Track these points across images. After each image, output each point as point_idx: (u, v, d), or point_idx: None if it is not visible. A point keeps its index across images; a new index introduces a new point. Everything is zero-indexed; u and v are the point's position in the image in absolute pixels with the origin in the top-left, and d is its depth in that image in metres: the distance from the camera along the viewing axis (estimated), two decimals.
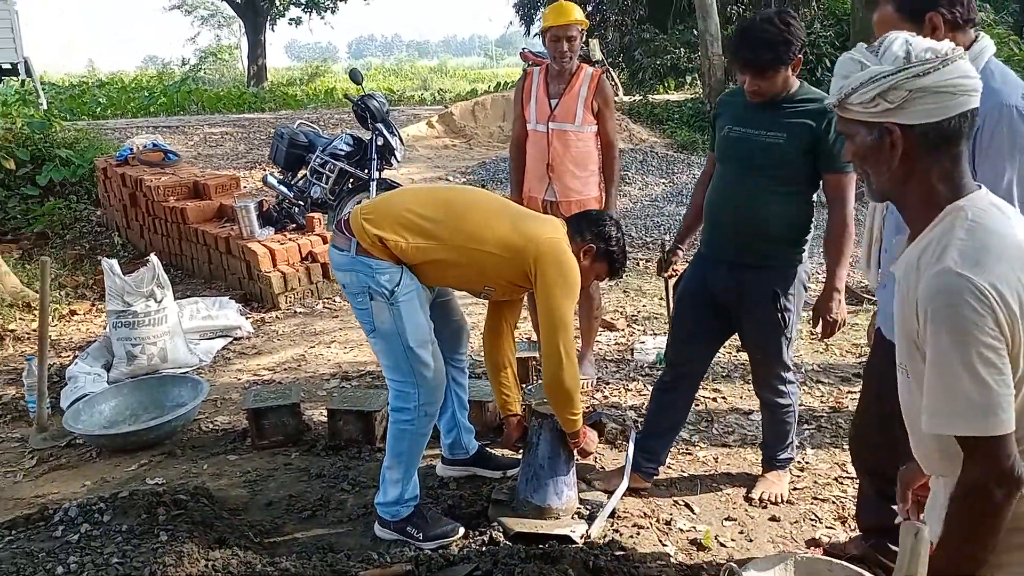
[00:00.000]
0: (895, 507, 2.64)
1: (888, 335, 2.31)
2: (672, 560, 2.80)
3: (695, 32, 14.24)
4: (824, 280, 2.93)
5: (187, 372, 4.58)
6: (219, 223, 6.43)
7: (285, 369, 4.65)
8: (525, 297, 3.39)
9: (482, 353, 3.14)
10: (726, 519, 3.09)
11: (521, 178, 4.13)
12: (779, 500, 3.18)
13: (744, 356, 4.56)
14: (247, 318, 5.41)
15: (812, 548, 2.88)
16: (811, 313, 2.93)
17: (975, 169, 2.00)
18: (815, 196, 2.89)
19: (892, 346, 2.31)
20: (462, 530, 2.85)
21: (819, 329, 2.91)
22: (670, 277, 3.32)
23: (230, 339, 5.13)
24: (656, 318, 5.23)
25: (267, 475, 3.39)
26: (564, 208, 3.91)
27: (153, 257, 4.67)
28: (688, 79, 16.48)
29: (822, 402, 4.09)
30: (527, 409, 3.18)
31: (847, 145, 1.52)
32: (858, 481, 2.77)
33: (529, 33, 21.67)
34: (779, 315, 2.91)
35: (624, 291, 5.82)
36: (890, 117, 1.39)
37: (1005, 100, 1.97)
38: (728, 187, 2.92)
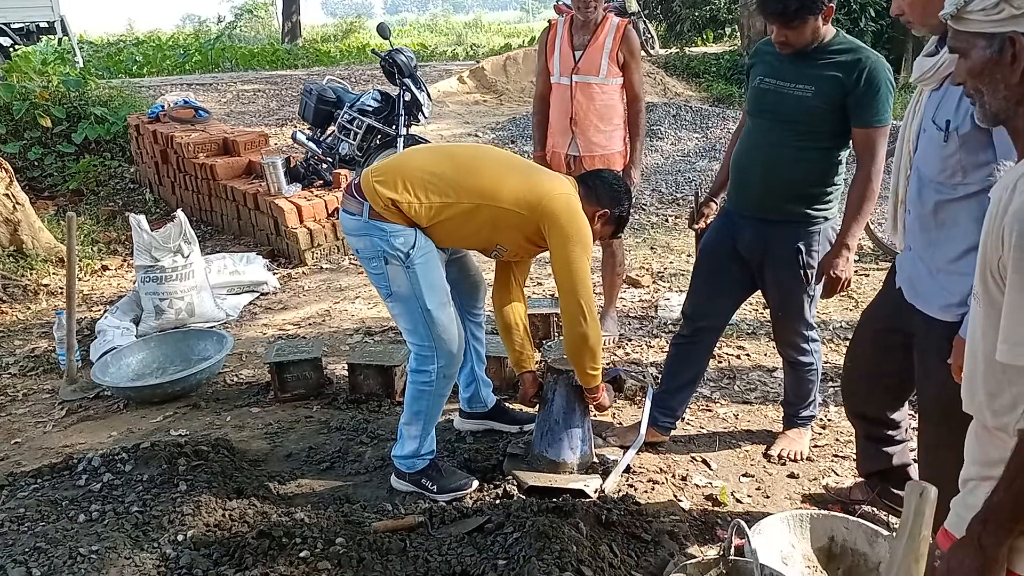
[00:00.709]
0: (888, 449, 2.61)
1: (908, 297, 2.24)
2: (687, 515, 2.79)
3: None
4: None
5: (214, 326, 4.63)
6: (248, 179, 6.46)
7: (310, 324, 4.69)
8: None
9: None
10: (743, 475, 3.06)
11: (544, 133, 4.05)
12: (799, 457, 3.15)
13: (768, 313, 4.49)
14: (274, 274, 5.45)
15: (825, 498, 2.85)
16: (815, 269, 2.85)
17: (992, 132, 1.91)
18: (846, 153, 2.80)
19: (902, 305, 2.29)
20: (476, 483, 2.86)
21: (821, 284, 2.84)
22: (702, 230, 3.24)
23: (257, 294, 5.18)
24: (683, 274, 5.15)
25: (288, 427, 3.44)
26: (587, 163, 3.84)
27: (180, 213, 4.70)
28: (727, 31, 16.02)
29: (841, 355, 3.99)
30: (543, 365, 3.16)
31: (959, 64, 1.42)
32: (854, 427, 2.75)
33: None
34: (802, 272, 2.84)
35: (652, 248, 5.74)
36: (1014, 25, 1.29)
37: None
38: (755, 141, 2.83)
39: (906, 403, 2.62)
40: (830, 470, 3.06)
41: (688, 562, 2.06)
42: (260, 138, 7.05)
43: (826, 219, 2.83)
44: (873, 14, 11.16)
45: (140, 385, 3.80)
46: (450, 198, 2.61)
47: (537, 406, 3.00)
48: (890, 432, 2.62)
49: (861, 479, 2.83)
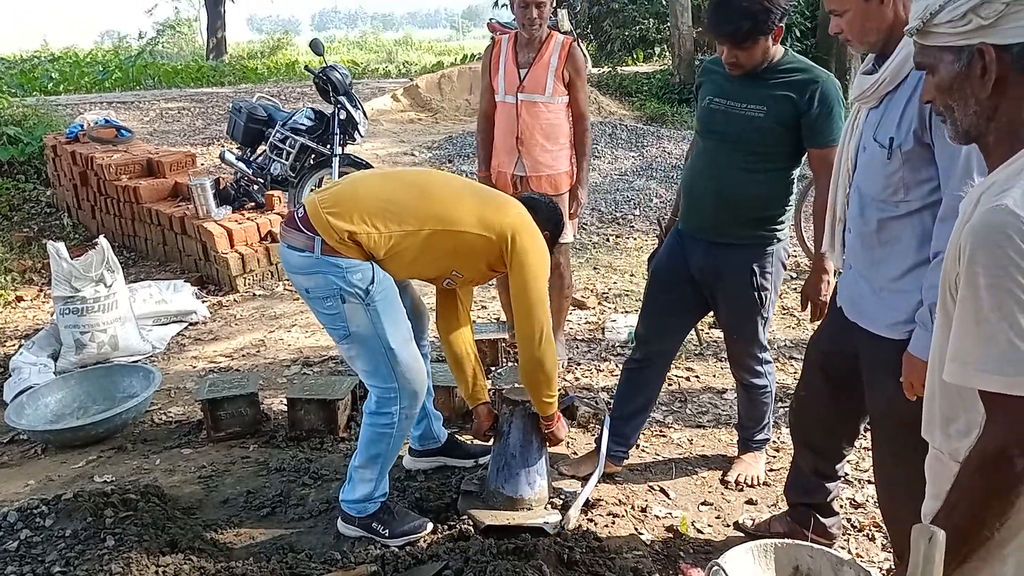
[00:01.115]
0: (828, 485, 2.58)
1: (850, 315, 2.21)
2: (649, 549, 2.70)
3: (664, 2, 14.05)
4: (805, 259, 2.81)
5: (139, 360, 4.37)
6: (174, 202, 6.18)
7: (243, 355, 4.47)
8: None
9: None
10: (702, 503, 3.00)
11: (489, 153, 3.95)
12: (755, 482, 3.10)
13: (717, 334, 4.46)
14: (203, 302, 5.20)
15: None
16: (800, 295, 2.81)
17: (934, 147, 1.91)
18: (796, 172, 2.77)
19: (847, 326, 2.25)
20: (430, 526, 2.72)
21: (807, 312, 2.80)
22: None
23: (185, 324, 4.92)
24: (628, 295, 5.11)
25: (223, 470, 3.22)
26: (534, 183, 3.76)
27: (102, 240, 4.43)
28: (657, 50, 16.26)
29: (795, 379, 3.97)
30: (497, 395, 3.04)
31: (926, 80, 1.36)
32: (793, 454, 2.69)
33: (497, 3, 21.30)
34: (756, 294, 2.81)
35: (595, 268, 5.69)
36: (982, 37, 1.23)
37: None
38: (706, 162, 2.79)
39: (859, 432, 2.59)
40: None
41: None
42: (186, 158, 6.76)
43: (778, 240, 2.80)
44: (798, 34, 11.47)
45: (60, 428, 3.52)
46: (410, 226, 2.47)
47: (492, 439, 2.86)
48: (836, 466, 2.59)
49: (779, 513, 2.79)
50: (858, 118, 2.17)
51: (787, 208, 2.79)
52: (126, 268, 5.15)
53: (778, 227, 2.78)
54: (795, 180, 2.77)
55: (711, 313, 3.05)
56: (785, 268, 2.91)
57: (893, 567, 2.51)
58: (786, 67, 2.61)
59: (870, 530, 2.79)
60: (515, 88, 3.77)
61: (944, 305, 1.32)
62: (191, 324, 4.93)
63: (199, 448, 3.43)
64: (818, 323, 2.61)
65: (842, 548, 2.67)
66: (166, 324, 4.86)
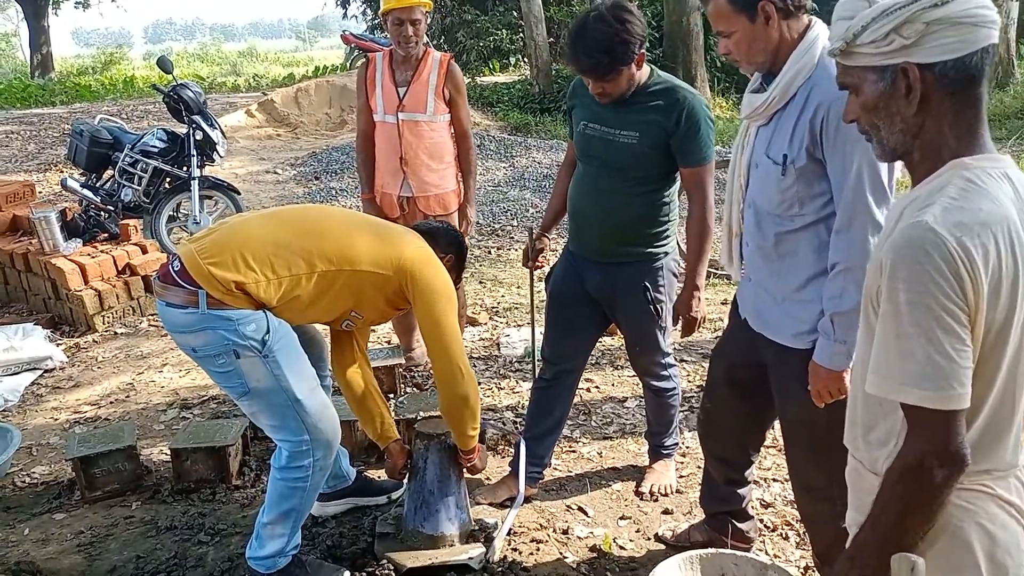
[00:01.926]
0: (741, 491, 2.65)
1: (755, 326, 2.26)
2: (576, 572, 2.65)
3: (515, 13, 14.23)
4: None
5: None
6: (14, 237, 5.61)
7: (111, 402, 4.09)
8: None
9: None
10: (621, 518, 2.99)
11: (371, 174, 3.81)
12: (669, 491, 3.13)
13: (609, 341, 4.51)
14: (58, 345, 4.73)
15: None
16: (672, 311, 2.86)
17: (826, 162, 1.97)
18: (675, 187, 2.82)
19: (750, 336, 2.29)
20: (348, 574, 2.55)
21: (679, 327, 2.86)
22: (538, 267, 3.16)
23: (40, 372, 4.45)
24: (517, 308, 5.08)
25: (105, 534, 2.91)
26: (422, 204, 3.66)
27: None
28: (513, 60, 16.48)
29: (689, 381, 4.09)
30: (406, 427, 2.91)
31: (850, 101, 1.36)
32: (704, 465, 2.73)
33: (346, 15, 20.89)
34: (652, 307, 2.85)
35: (480, 282, 5.63)
36: (905, 56, 1.25)
37: None
38: (587, 189, 2.80)
39: (765, 437, 2.66)
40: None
41: None
42: (24, 188, 6.17)
43: (666, 253, 2.85)
44: (648, 45, 11.87)
45: None
46: (301, 269, 2.30)
47: (407, 476, 2.72)
48: (746, 472, 2.64)
49: (695, 522, 2.83)
50: (748, 135, 2.21)
51: (671, 222, 2.84)
52: None
53: (664, 243, 2.83)
54: (674, 197, 2.82)
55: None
56: (677, 277, 2.96)
57: (813, 567, 2.58)
58: (653, 89, 2.62)
59: (783, 529, 2.87)
60: (395, 107, 3.65)
61: (867, 317, 1.34)
62: (46, 371, 4.47)
63: (73, 511, 3.09)
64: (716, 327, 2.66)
65: (759, 550, 2.73)
66: (17, 373, 4.38)
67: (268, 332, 2.26)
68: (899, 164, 1.97)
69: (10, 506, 3.17)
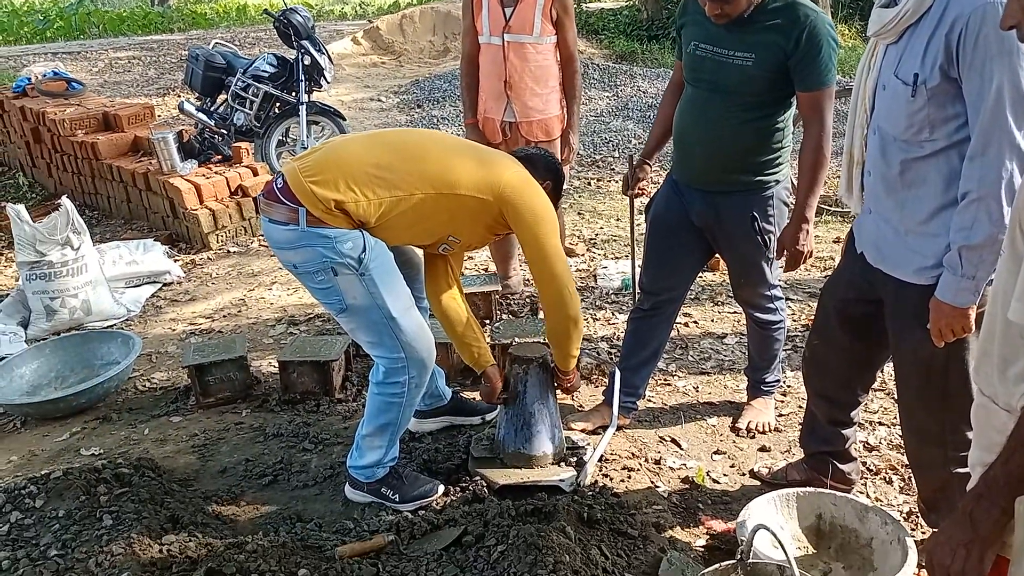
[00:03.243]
0: (845, 432, 2.54)
1: (873, 261, 2.14)
2: (667, 502, 2.65)
3: None
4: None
5: (114, 325, 4.18)
6: (135, 157, 5.88)
7: (224, 316, 4.29)
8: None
9: None
10: (715, 453, 2.95)
11: (475, 98, 3.77)
12: (767, 429, 3.06)
13: (711, 277, 4.41)
14: (176, 261, 4.98)
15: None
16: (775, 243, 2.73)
17: (962, 81, 1.81)
18: (791, 113, 2.67)
19: (866, 271, 2.16)
20: (442, 488, 2.62)
21: (783, 261, 2.74)
22: (637, 195, 3.07)
23: (159, 285, 4.71)
24: (615, 240, 5.01)
25: (217, 437, 3.09)
26: (525, 129, 3.61)
27: (66, 200, 4.19)
28: None
29: (794, 320, 3.95)
30: (501, 352, 2.94)
31: (1010, 3, 1.24)
32: (807, 404, 2.64)
33: None
34: (759, 237, 2.73)
35: (579, 213, 5.56)
36: None
37: None
38: (695, 113, 2.67)
39: (875, 380, 2.54)
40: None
41: (706, 571, 1.90)
42: (145, 111, 6.43)
43: (777, 182, 2.72)
44: None
45: (39, 400, 3.34)
46: (401, 191, 2.31)
47: (505, 401, 2.74)
48: (852, 413, 2.54)
49: (794, 460, 2.75)
50: (875, 55, 2.05)
51: (783, 149, 2.70)
52: (90, 228, 4.90)
53: (775, 171, 2.70)
54: (789, 124, 2.67)
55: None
56: (788, 207, 2.82)
57: (916, 512, 2.49)
58: (772, 7, 2.45)
59: (886, 473, 2.77)
60: (501, 28, 3.58)
61: (1013, 242, 1.24)
62: (165, 285, 4.73)
63: (189, 415, 3.29)
64: (828, 264, 2.54)
65: (860, 492, 2.64)
66: (139, 286, 4.65)
67: (364, 251, 2.30)
68: None
69: (132, 408, 3.40)
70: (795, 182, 2.75)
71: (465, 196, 2.35)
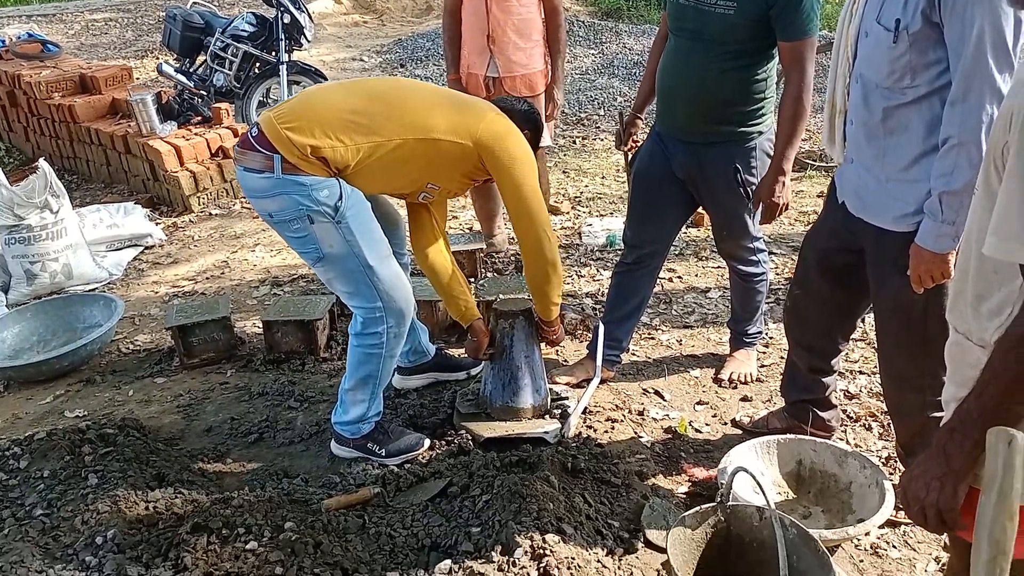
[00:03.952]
0: (825, 380, 2.57)
1: (854, 210, 2.14)
2: (650, 451, 2.67)
3: None
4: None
5: (96, 288, 4.16)
6: (114, 120, 5.79)
7: (207, 278, 4.27)
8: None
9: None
10: (697, 403, 2.98)
11: (457, 53, 3.72)
12: (749, 379, 3.09)
13: (694, 232, 4.41)
14: (157, 224, 4.94)
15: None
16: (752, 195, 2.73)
17: (943, 25, 1.80)
18: (773, 65, 2.65)
19: (847, 220, 2.16)
20: (428, 442, 2.64)
21: (760, 212, 2.73)
22: (631, 150, 3.06)
23: (141, 248, 4.68)
24: (600, 197, 4.99)
25: (202, 397, 3.09)
26: (508, 84, 3.57)
27: (43, 163, 4.13)
28: None
29: (777, 273, 3.96)
30: (486, 308, 2.94)
31: None
32: (788, 353, 2.65)
33: None
34: (742, 189, 2.73)
35: (564, 172, 5.53)
36: None
37: None
38: (678, 63, 2.65)
39: (855, 327, 2.56)
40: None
41: (686, 514, 1.93)
42: (123, 72, 6.31)
43: (760, 133, 2.71)
44: None
45: (22, 363, 3.33)
46: (378, 137, 2.29)
47: (491, 356, 2.75)
48: (832, 362, 2.56)
49: (775, 409, 2.78)
50: (857, 2, 2.04)
51: (766, 101, 2.68)
52: (70, 192, 4.84)
53: (758, 122, 2.69)
54: (771, 74, 2.65)
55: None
56: (771, 159, 2.81)
57: (894, 456, 2.53)
58: None
59: (866, 420, 2.80)
60: None
61: (987, 178, 1.24)
62: (147, 248, 4.70)
63: (173, 376, 3.28)
64: (810, 218, 2.54)
65: (840, 439, 2.68)
66: (120, 249, 4.61)
67: (341, 199, 2.28)
68: None
69: (116, 370, 3.39)
70: None
71: (443, 141, 2.33)
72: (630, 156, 3.17)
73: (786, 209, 2.72)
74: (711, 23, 2.50)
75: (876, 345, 2.38)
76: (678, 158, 2.76)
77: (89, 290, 4.11)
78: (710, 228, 4.18)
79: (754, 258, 2.96)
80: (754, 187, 2.74)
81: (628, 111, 3.10)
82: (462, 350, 2.96)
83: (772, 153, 2.79)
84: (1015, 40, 1.76)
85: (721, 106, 2.62)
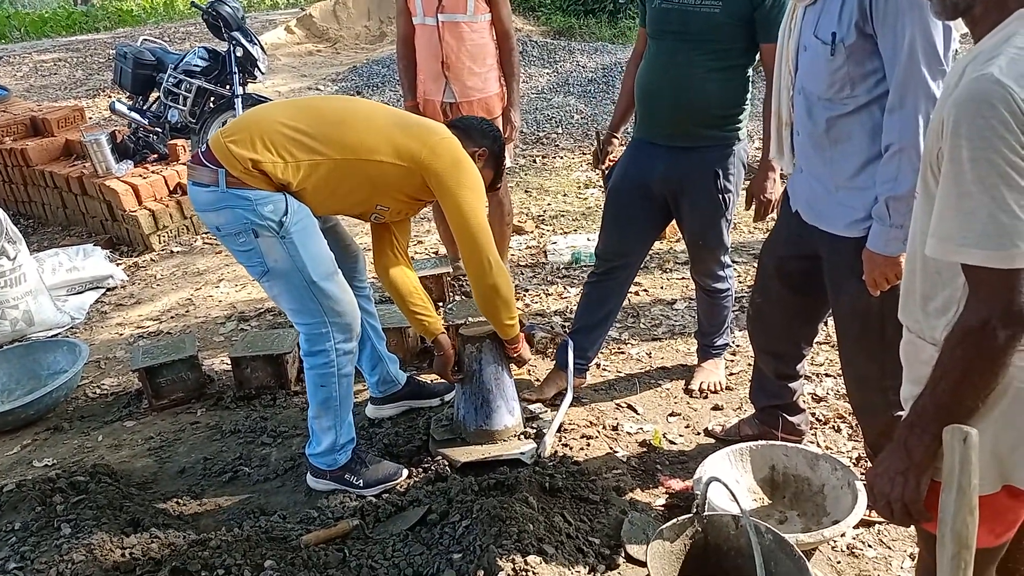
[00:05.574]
0: (792, 385, 2.63)
1: (808, 219, 2.20)
2: (626, 466, 2.70)
3: None
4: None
5: (59, 333, 4.09)
6: (68, 161, 5.72)
7: (172, 317, 4.22)
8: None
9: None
10: (670, 415, 3.01)
11: (413, 80, 3.75)
12: (718, 388, 3.14)
13: (658, 245, 4.46)
14: (118, 264, 4.88)
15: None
16: (744, 193, 2.79)
17: (877, 37, 1.88)
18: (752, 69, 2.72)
19: (802, 228, 2.23)
20: (405, 471, 2.64)
21: (752, 210, 2.78)
22: (608, 168, 3.10)
23: (102, 290, 4.62)
24: (563, 215, 5.04)
25: (173, 438, 3.06)
26: (465, 109, 3.59)
27: None
28: None
29: (740, 282, 4.03)
30: (453, 332, 2.95)
31: None
32: (754, 360, 2.71)
33: None
34: (720, 196, 2.79)
35: (526, 191, 5.57)
36: None
37: None
38: (661, 64, 2.70)
39: (818, 332, 2.62)
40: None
41: (664, 527, 1.95)
42: (75, 113, 6.26)
43: (739, 140, 2.78)
44: None
45: None
46: (319, 155, 2.31)
47: (460, 379, 2.75)
48: (797, 366, 2.62)
49: (745, 416, 2.83)
50: (794, 17, 2.11)
51: (746, 106, 2.75)
52: (27, 236, 4.77)
53: (738, 126, 2.76)
54: (751, 78, 2.72)
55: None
56: (746, 168, 2.88)
57: (864, 457, 2.58)
58: None
59: (835, 422, 2.86)
60: (434, 8, 3.55)
61: (925, 182, 1.30)
62: (108, 289, 4.63)
63: (142, 419, 3.24)
64: (768, 224, 2.60)
65: (810, 442, 2.73)
66: (81, 292, 4.55)
67: (287, 214, 2.29)
68: (955, 35, 1.88)
69: (83, 415, 3.33)
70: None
71: (385, 163, 2.35)
72: (606, 173, 3.21)
73: (777, 206, 2.74)
74: (695, 21, 2.56)
75: (838, 347, 2.44)
76: (659, 167, 2.79)
77: (52, 336, 4.04)
78: (673, 240, 4.27)
79: (722, 273, 3.01)
80: (731, 195, 2.80)
81: (605, 131, 3.14)
82: (433, 376, 2.97)
83: (747, 162, 2.87)
84: (945, 47, 1.84)
85: (704, 107, 2.67)
